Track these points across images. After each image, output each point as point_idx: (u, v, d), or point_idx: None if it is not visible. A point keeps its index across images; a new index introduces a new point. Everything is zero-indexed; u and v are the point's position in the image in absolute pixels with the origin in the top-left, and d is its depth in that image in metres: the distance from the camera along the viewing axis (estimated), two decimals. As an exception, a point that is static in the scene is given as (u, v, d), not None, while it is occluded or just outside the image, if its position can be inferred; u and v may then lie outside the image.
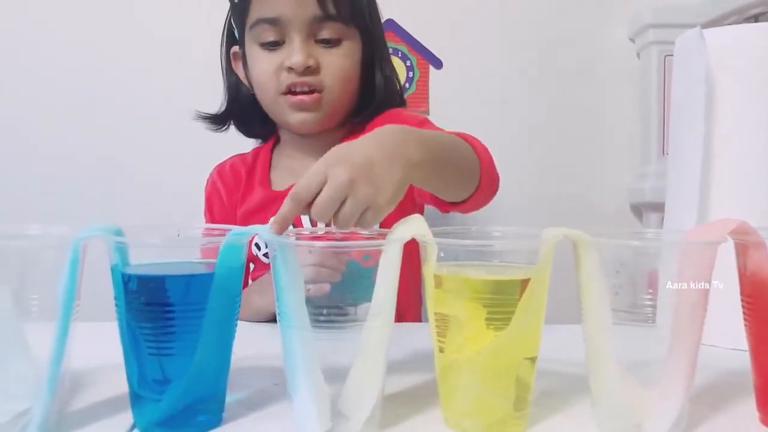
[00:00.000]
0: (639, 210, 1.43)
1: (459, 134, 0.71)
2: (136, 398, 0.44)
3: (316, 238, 0.54)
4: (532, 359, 0.45)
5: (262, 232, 0.43)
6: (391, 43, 1.35)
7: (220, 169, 1.03)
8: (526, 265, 0.45)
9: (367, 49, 0.91)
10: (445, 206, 0.76)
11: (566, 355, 0.53)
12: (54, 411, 0.42)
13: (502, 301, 0.43)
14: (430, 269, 0.45)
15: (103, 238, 0.43)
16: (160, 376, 0.42)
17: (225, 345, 0.45)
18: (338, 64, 0.88)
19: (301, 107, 0.88)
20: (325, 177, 0.47)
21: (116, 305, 0.43)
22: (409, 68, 1.39)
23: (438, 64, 1.40)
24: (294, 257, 0.43)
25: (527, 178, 1.44)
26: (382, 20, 0.98)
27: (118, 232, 0.44)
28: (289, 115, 0.89)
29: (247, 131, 1.02)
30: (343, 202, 0.47)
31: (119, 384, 0.46)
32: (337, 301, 0.45)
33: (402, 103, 0.98)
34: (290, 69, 0.86)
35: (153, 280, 0.43)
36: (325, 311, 0.44)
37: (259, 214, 0.94)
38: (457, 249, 0.45)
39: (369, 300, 0.44)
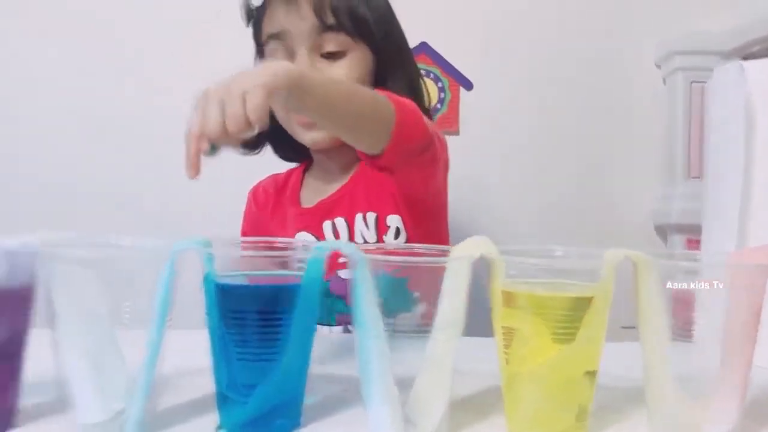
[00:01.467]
0: (663, 230, 1.46)
1: (387, 94, 0.75)
2: (223, 399, 0.46)
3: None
4: (593, 373, 0.48)
5: (344, 248, 0.46)
6: (424, 65, 1.39)
7: (255, 190, 1.06)
8: (586, 283, 0.48)
9: (380, 62, 0.90)
10: (371, 160, 0.79)
11: (622, 370, 0.55)
12: (148, 411, 0.45)
13: (568, 317, 0.46)
14: (497, 286, 0.48)
15: (197, 250, 0.46)
16: (248, 380, 0.45)
17: (306, 351, 0.47)
18: (341, 76, 0.86)
19: (309, 126, 0.88)
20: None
21: (207, 313, 0.46)
22: (441, 89, 1.43)
23: (468, 85, 1.44)
24: (368, 271, 0.46)
25: (556, 198, 1.46)
26: (413, 43, 0.98)
27: (208, 244, 0.47)
28: (301, 134, 0.90)
29: (284, 155, 1.04)
30: None
31: (201, 388, 0.49)
32: None
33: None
34: None
35: (245, 290, 0.46)
36: None
37: (286, 229, 0.96)
38: (526, 266, 0.48)
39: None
